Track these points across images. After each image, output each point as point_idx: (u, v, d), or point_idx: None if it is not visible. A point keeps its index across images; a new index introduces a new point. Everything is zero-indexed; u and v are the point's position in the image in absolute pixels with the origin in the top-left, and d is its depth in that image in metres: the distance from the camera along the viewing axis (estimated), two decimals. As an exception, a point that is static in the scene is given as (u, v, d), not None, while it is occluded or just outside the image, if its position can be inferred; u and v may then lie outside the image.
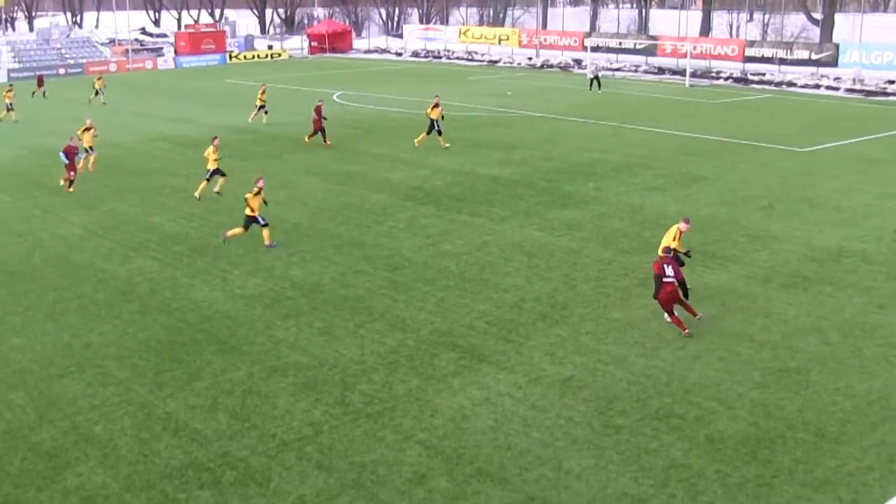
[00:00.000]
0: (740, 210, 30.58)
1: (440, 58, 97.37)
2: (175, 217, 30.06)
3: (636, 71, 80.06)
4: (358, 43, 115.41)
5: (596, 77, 66.50)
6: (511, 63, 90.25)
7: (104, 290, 22.97)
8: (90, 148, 37.58)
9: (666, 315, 20.08)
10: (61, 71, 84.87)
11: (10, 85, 58.51)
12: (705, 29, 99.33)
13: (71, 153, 33.76)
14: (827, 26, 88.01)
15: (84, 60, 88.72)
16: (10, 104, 53.31)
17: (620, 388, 17.18)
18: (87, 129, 37.53)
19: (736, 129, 47.36)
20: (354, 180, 35.36)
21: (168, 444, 15.30)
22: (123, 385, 17.44)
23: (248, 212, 26.26)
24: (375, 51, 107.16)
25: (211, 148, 32.38)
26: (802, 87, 69.66)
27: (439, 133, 41.16)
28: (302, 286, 23.04)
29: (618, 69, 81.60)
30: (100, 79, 62.64)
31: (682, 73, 73.83)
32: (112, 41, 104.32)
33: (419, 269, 24.37)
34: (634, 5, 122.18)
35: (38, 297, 22.53)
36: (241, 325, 20.47)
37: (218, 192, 32.41)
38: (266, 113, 49.79)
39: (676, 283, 19.94)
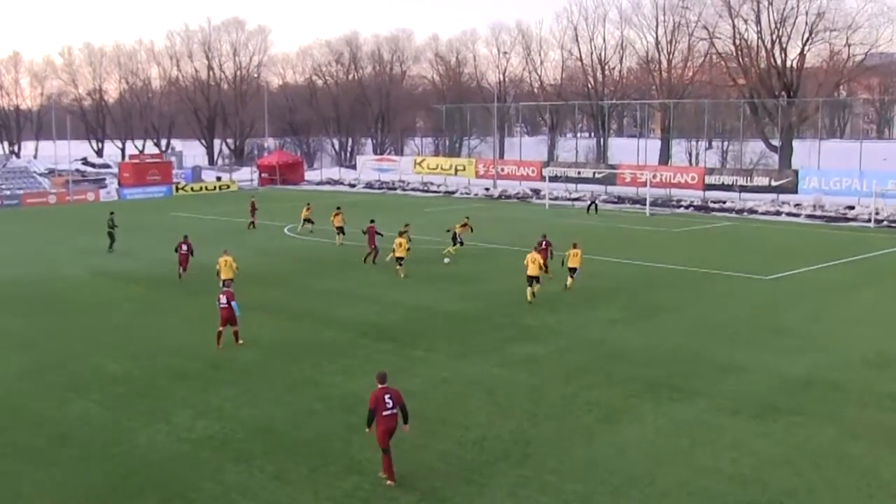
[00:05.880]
0: (705, 341, 30.86)
1: (395, 189, 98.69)
2: (117, 357, 29.77)
3: (593, 201, 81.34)
4: (310, 174, 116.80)
5: (593, 202, 73.97)
6: (468, 194, 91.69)
7: (40, 435, 22.60)
8: None
9: None
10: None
11: (308, 204, 64.21)
12: (664, 157, 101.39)
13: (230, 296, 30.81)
14: (785, 153, 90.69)
15: (21, 191, 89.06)
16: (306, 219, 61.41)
17: (587, 530, 17.05)
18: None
19: (699, 258, 48.14)
20: (306, 317, 35.38)
21: None
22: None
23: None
24: (328, 182, 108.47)
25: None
26: (763, 213, 71.32)
27: (461, 244, 49.95)
28: (253, 428, 22.83)
29: (576, 199, 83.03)
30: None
31: (643, 201, 75.36)
32: (51, 171, 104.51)
33: (375, 408, 24.24)
34: (592, 134, 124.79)
35: (-31, 444, 22.10)
36: (187, 470, 20.18)
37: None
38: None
39: None
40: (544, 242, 43.08)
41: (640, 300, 37.73)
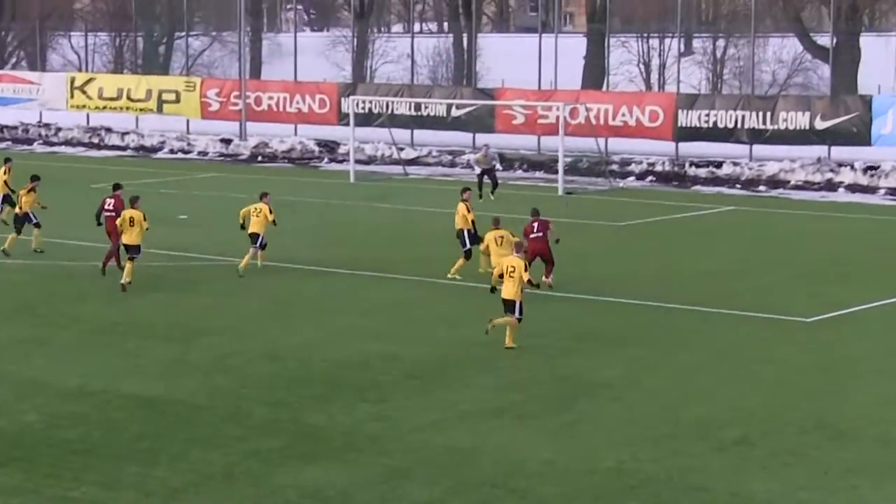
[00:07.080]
0: (685, 455, 30.85)
1: (31, 142, 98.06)
2: None
3: (452, 164, 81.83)
4: None
5: (489, 171, 71.63)
6: (187, 152, 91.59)
7: None
8: None
9: None
10: None
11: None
12: (594, 73, 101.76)
13: None
14: (843, 63, 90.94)
15: None
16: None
17: None
18: None
19: (667, 282, 48.73)
20: None
21: None
22: None
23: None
24: None
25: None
26: (799, 187, 72.24)
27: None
28: None
29: (412, 160, 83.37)
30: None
31: (550, 165, 75.76)
32: None
33: None
34: (447, 27, 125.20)
35: None
36: None
37: None
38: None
39: None
40: (537, 224, 45.31)
41: (545, 369, 37.83)
